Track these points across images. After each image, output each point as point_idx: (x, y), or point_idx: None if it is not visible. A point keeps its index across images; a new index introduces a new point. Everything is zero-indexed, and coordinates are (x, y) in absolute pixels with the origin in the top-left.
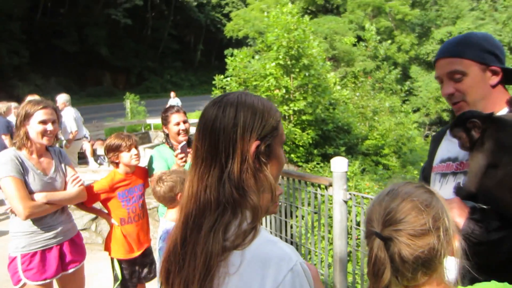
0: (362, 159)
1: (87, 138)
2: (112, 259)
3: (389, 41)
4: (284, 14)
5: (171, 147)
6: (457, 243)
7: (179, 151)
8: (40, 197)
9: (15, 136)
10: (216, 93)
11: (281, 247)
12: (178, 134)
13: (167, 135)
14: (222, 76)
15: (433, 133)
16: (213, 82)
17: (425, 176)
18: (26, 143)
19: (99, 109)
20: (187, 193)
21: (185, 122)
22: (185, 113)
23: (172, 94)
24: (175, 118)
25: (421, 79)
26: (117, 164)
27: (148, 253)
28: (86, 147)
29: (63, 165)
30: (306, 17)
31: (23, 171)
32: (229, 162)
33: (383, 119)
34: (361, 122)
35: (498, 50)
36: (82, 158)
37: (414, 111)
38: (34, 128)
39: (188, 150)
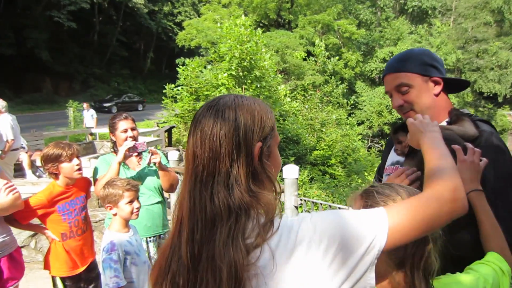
0: (311, 168)
1: (24, 148)
2: (53, 278)
3: (337, 58)
4: (237, 26)
5: None
6: None
7: (130, 145)
8: None
9: None
10: (167, 102)
11: (292, 219)
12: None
13: (114, 143)
14: (173, 85)
15: (376, 145)
16: (164, 91)
17: (380, 176)
18: None
19: (38, 118)
20: (188, 205)
21: (133, 129)
22: (133, 120)
23: (85, 105)
24: (122, 125)
25: (365, 94)
26: (56, 176)
27: (93, 267)
28: (23, 158)
29: None
30: (259, 30)
31: None
32: (234, 166)
33: (330, 130)
34: (310, 134)
35: (437, 62)
36: (18, 170)
37: (359, 124)
38: None
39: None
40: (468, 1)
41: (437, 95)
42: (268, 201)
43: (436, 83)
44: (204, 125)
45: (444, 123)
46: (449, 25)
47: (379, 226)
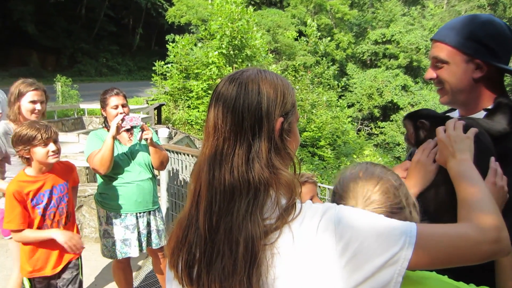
0: (300, 149)
1: None
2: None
3: (329, 38)
4: (228, 3)
5: None
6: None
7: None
8: None
9: None
10: (156, 79)
11: (316, 205)
12: None
13: (105, 118)
14: (162, 63)
15: (365, 128)
16: (153, 68)
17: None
18: None
19: None
20: (207, 177)
21: (124, 105)
22: (125, 96)
23: None
24: (113, 100)
25: (356, 76)
26: (27, 160)
27: (71, 267)
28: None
29: None
30: (250, 8)
31: None
32: (255, 140)
33: (320, 112)
34: (300, 115)
35: (495, 41)
36: None
37: (349, 106)
38: None
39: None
40: None
41: (477, 81)
42: (289, 182)
43: (478, 66)
44: (226, 97)
45: (482, 113)
46: (443, 7)
47: (407, 241)
